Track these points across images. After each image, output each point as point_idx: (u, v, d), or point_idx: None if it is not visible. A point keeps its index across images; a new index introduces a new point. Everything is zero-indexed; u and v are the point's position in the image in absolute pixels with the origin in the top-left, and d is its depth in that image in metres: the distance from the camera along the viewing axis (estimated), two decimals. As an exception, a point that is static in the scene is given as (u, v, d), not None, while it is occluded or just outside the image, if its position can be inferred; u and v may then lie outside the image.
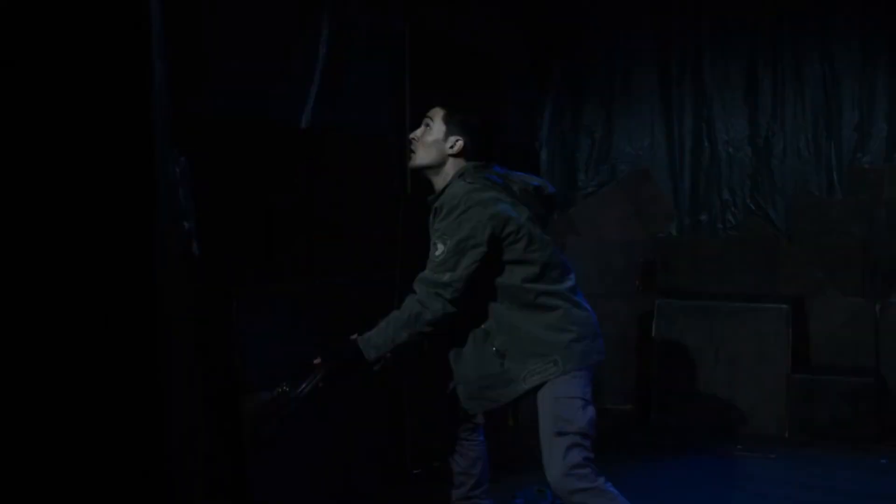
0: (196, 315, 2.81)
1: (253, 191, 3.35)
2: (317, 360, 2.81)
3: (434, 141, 2.85)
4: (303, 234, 3.64)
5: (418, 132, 2.91)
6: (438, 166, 2.86)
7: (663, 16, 6.16)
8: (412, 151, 2.90)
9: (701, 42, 6.05)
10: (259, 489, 3.25)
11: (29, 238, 2.23)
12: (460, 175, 2.82)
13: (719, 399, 5.03)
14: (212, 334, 3.03)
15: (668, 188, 6.13)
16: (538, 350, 2.72)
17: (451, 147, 2.85)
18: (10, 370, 2.18)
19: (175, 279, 2.63)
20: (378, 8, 4.17)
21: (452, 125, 2.86)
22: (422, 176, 2.96)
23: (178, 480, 2.59)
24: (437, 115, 2.88)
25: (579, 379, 2.72)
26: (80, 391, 2.33)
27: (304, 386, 2.78)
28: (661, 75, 6.19)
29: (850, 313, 5.08)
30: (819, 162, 5.75)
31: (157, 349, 2.50)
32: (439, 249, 2.68)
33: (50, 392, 2.27)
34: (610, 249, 5.69)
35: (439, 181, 2.87)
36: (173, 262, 2.64)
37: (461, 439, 3.12)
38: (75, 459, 2.32)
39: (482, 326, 2.80)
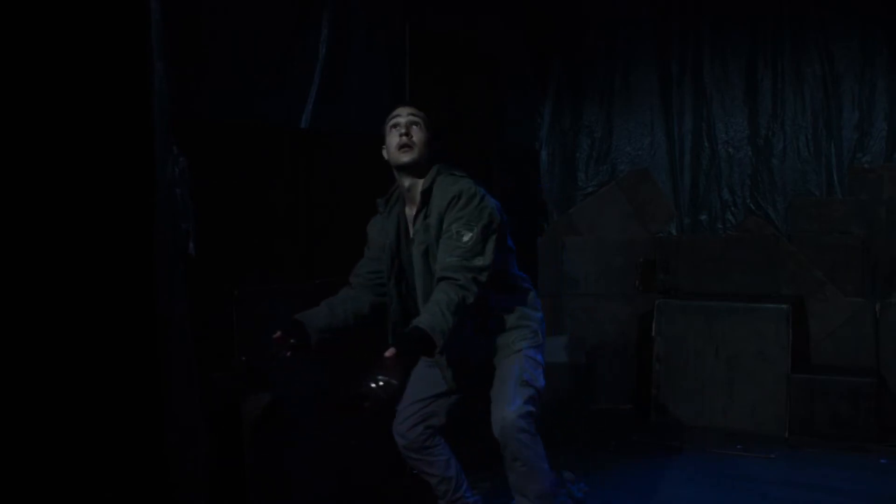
0: (196, 315, 2.81)
1: (253, 191, 3.36)
2: (389, 353, 2.55)
3: (428, 141, 3.00)
4: (302, 234, 3.65)
5: (410, 129, 2.97)
6: (425, 164, 3.00)
7: (663, 16, 6.16)
8: (408, 147, 2.95)
9: (701, 42, 6.05)
10: (259, 489, 3.25)
11: (30, 237, 2.23)
12: (439, 172, 2.96)
13: (719, 399, 5.04)
14: (212, 334, 3.03)
15: (668, 188, 6.14)
16: (522, 322, 3.01)
17: (434, 149, 3.05)
18: (9, 369, 2.18)
19: (174, 279, 2.63)
20: (378, 8, 4.18)
21: (432, 128, 3.05)
22: (404, 172, 3.01)
23: (177, 481, 2.59)
24: (422, 117, 3.02)
25: (542, 351, 3.05)
26: (79, 391, 2.33)
27: (394, 385, 2.46)
28: (661, 75, 6.19)
29: (850, 313, 5.09)
30: (819, 162, 5.74)
31: (157, 349, 2.50)
32: (467, 236, 2.81)
33: (49, 392, 2.27)
34: (610, 249, 5.70)
35: (419, 179, 2.99)
36: (173, 261, 2.64)
37: (426, 448, 3.16)
38: (75, 459, 2.32)
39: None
